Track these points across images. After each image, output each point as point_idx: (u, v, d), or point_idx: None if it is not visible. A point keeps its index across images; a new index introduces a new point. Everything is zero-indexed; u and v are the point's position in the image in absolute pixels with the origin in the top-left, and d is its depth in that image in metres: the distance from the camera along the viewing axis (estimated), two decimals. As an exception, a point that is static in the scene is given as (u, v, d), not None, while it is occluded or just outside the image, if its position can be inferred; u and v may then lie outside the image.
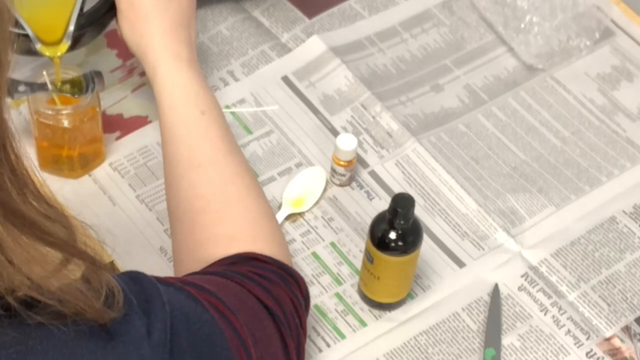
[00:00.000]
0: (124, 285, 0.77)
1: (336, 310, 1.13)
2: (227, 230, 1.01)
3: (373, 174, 1.23)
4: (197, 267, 0.98)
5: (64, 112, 1.13)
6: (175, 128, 1.05)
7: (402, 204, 1.03)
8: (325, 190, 1.21)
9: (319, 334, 1.11)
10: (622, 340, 1.12)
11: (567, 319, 1.13)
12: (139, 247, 1.15)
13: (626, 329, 1.13)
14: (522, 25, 1.33)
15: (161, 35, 1.07)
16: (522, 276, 1.16)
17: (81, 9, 1.08)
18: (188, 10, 1.10)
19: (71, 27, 1.08)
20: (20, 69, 1.24)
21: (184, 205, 1.02)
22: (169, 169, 1.05)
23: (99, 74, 1.12)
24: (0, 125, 0.66)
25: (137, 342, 0.76)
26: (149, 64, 1.08)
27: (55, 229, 0.70)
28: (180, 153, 1.04)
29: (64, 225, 0.72)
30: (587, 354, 1.11)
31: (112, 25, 1.13)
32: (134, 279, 0.80)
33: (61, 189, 1.16)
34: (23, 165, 0.68)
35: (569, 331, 1.12)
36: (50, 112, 1.13)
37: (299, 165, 1.23)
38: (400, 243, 1.05)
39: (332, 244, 1.17)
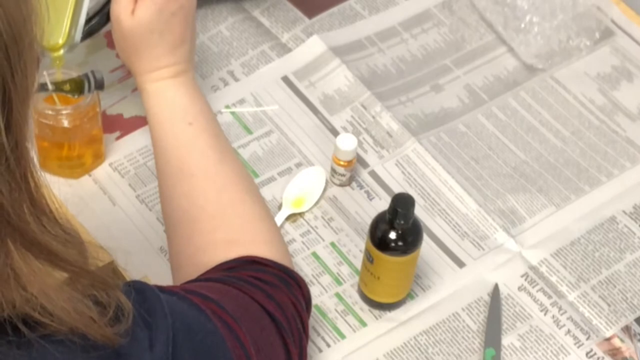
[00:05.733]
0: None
1: (336, 310, 1.12)
2: (226, 236, 1.01)
3: (373, 174, 1.23)
4: (197, 272, 0.98)
5: (64, 112, 1.13)
6: (164, 141, 1.06)
7: (402, 204, 1.03)
8: (325, 190, 1.21)
9: (319, 334, 1.11)
10: (622, 340, 1.12)
11: (567, 319, 1.13)
12: (139, 247, 1.15)
13: (626, 329, 1.13)
14: (522, 25, 1.33)
15: (150, 63, 1.07)
16: (522, 276, 1.16)
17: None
18: (182, 31, 1.08)
19: (77, 39, 1.08)
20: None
21: (179, 214, 1.03)
22: (162, 179, 1.05)
23: (99, 74, 1.12)
24: (23, 154, 0.66)
25: (139, 355, 0.76)
26: (137, 80, 1.09)
27: (69, 255, 0.71)
28: (171, 165, 1.04)
29: (78, 250, 0.72)
30: (587, 354, 1.11)
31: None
32: (137, 289, 0.80)
33: (61, 189, 1.16)
34: (42, 194, 0.68)
35: (569, 331, 1.12)
36: (50, 112, 1.13)
37: (299, 165, 1.23)
38: (400, 243, 1.05)
39: (332, 244, 1.17)
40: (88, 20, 1.10)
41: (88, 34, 1.11)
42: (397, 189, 1.22)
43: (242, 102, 1.28)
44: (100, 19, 1.11)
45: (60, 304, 0.69)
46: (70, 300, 0.70)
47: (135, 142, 1.23)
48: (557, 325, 1.13)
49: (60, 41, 1.08)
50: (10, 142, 0.64)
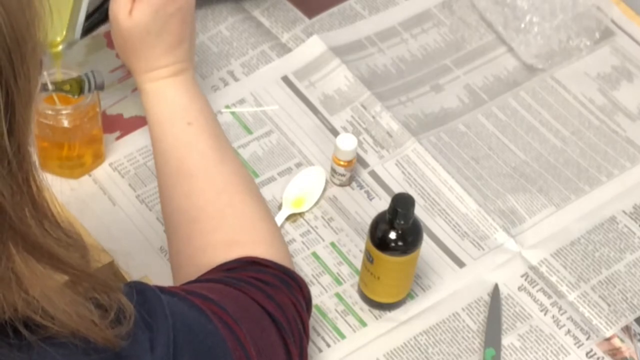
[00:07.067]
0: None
1: (336, 310, 1.12)
2: (226, 236, 1.00)
3: (373, 174, 1.23)
4: (197, 272, 0.98)
5: (64, 112, 1.13)
6: (163, 141, 1.05)
7: (402, 204, 1.03)
8: (325, 190, 1.21)
9: (319, 334, 1.11)
10: (622, 340, 1.12)
11: (567, 319, 1.13)
12: (139, 247, 1.15)
13: (626, 329, 1.13)
14: (522, 25, 1.33)
15: (148, 63, 1.07)
16: (522, 276, 1.16)
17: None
18: (181, 31, 1.07)
19: (77, 36, 1.08)
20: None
21: (179, 214, 1.02)
22: (161, 180, 1.05)
23: (99, 74, 1.12)
24: (25, 158, 0.66)
25: (140, 356, 0.76)
26: (136, 80, 1.09)
27: (71, 259, 0.71)
28: (170, 165, 1.04)
29: (81, 253, 0.72)
30: (587, 354, 1.11)
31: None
32: (138, 290, 0.80)
33: (61, 189, 1.16)
34: (43, 197, 0.68)
35: (569, 331, 1.12)
36: (50, 112, 1.13)
37: (299, 165, 1.23)
38: (400, 243, 1.05)
39: (332, 244, 1.17)
40: (87, 17, 1.10)
41: (87, 30, 1.11)
42: (397, 189, 1.22)
43: (242, 102, 1.28)
44: (99, 15, 1.11)
45: (61, 307, 0.69)
46: (71, 304, 0.70)
47: (135, 142, 1.23)
48: (557, 325, 1.13)
49: (59, 38, 1.08)
50: (12, 146, 0.64)
